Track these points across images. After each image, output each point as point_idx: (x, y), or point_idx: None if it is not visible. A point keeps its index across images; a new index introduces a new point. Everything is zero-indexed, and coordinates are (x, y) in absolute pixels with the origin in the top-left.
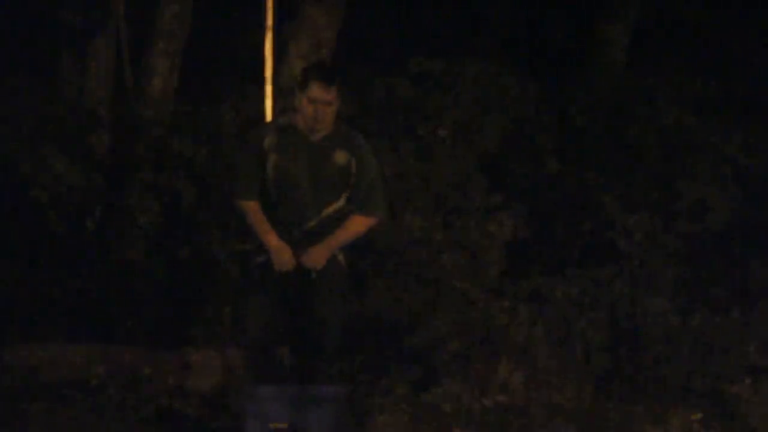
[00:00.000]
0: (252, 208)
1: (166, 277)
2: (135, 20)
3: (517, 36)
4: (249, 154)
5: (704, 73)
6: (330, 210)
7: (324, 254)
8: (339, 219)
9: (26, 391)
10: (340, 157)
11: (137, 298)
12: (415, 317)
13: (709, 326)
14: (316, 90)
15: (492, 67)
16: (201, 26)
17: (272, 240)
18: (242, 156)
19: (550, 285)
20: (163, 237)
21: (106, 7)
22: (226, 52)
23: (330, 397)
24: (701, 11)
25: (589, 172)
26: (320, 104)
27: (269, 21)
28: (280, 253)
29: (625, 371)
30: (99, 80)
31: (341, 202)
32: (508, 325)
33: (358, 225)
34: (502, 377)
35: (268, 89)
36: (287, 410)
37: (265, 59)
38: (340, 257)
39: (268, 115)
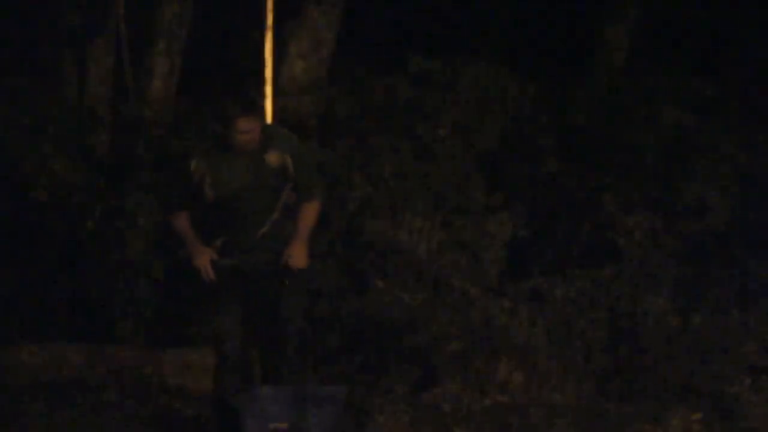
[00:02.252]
0: (181, 218)
1: (166, 277)
2: (135, 20)
3: (517, 36)
4: (177, 177)
5: (704, 73)
6: (276, 216)
7: (305, 252)
8: (284, 223)
9: (26, 391)
10: (273, 158)
11: (137, 298)
12: (415, 317)
13: (709, 326)
14: (243, 124)
15: (492, 67)
16: (201, 26)
17: (195, 248)
18: (172, 178)
19: (550, 285)
20: (163, 237)
21: (106, 7)
22: (226, 52)
23: (330, 397)
24: (701, 11)
25: (589, 172)
26: (249, 134)
27: (269, 21)
28: (201, 259)
29: (625, 371)
30: (99, 80)
31: (282, 202)
32: (508, 325)
33: (311, 212)
34: (502, 377)
35: (268, 89)
36: (287, 410)
37: (265, 59)
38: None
39: (269, 115)
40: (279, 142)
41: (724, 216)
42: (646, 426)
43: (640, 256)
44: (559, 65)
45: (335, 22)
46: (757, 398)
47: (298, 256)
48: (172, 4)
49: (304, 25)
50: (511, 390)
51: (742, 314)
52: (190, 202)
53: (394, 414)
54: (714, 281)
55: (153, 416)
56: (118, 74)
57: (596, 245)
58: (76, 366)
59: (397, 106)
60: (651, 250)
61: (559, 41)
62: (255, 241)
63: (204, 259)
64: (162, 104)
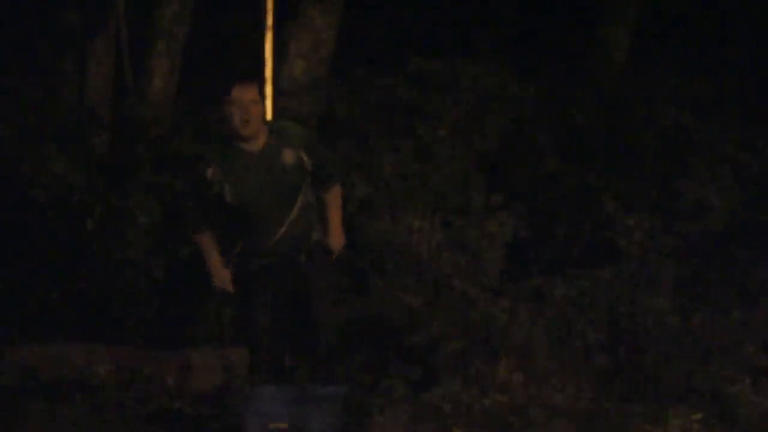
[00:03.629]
0: (205, 238)
1: (166, 277)
2: (135, 20)
3: (517, 36)
4: (196, 189)
5: (704, 73)
6: (294, 215)
7: (341, 236)
8: (303, 217)
9: (26, 391)
10: (288, 156)
11: (137, 298)
12: (415, 317)
13: (709, 326)
14: (238, 92)
15: (492, 67)
16: (201, 26)
17: (216, 271)
18: (191, 193)
19: (550, 285)
20: (163, 237)
21: (106, 7)
22: (226, 52)
23: (330, 397)
24: (701, 11)
25: (589, 172)
26: (246, 105)
27: (269, 21)
28: (221, 282)
29: (625, 371)
30: (99, 80)
31: (303, 198)
32: (508, 325)
33: (337, 197)
34: (502, 377)
35: (268, 89)
36: (287, 410)
37: (265, 59)
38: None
39: (269, 116)
40: (290, 138)
41: (724, 216)
42: (646, 426)
43: (640, 256)
44: (559, 65)
45: (335, 22)
46: (757, 398)
47: (336, 242)
48: (172, 4)
49: (304, 25)
50: (511, 390)
51: (742, 314)
52: (214, 217)
53: (394, 414)
54: (714, 281)
55: (153, 416)
56: (118, 74)
57: (596, 245)
58: (76, 366)
59: (397, 106)
60: (651, 250)
61: (559, 41)
62: (274, 242)
63: (221, 280)
64: (162, 104)
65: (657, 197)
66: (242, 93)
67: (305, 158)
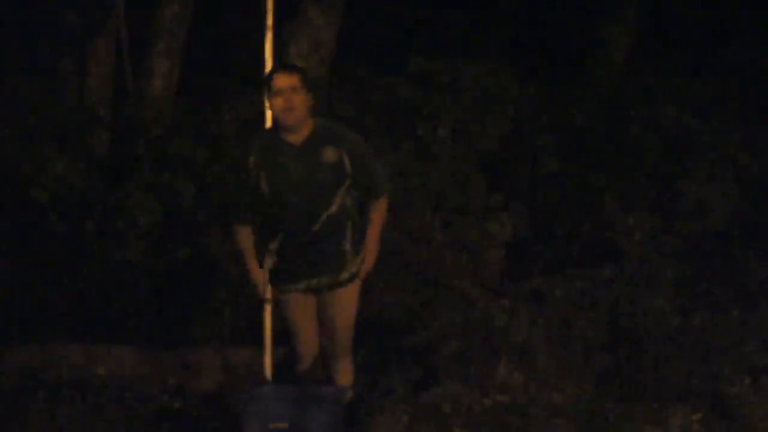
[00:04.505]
0: (244, 234)
1: (166, 277)
2: (135, 20)
3: (517, 36)
4: (239, 178)
5: (704, 73)
6: (331, 210)
7: (375, 254)
8: (341, 217)
9: (26, 391)
10: (329, 154)
11: (137, 298)
12: (415, 317)
13: (709, 326)
14: (279, 80)
15: (492, 67)
16: (201, 26)
17: (253, 270)
18: (233, 181)
19: (550, 285)
20: (163, 237)
21: (106, 7)
22: (226, 52)
23: (330, 397)
24: (701, 11)
25: (589, 172)
26: (287, 93)
27: (269, 21)
28: (257, 282)
29: (625, 371)
30: (99, 80)
31: (339, 200)
32: (508, 325)
33: (381, 210)
34: (502, 377)
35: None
36: (287, 410)
37: (265, 59)
38: (356, 266)
39: (268, 116)
40: (334, 137)
41: (724, 216)
42: (646, 426)
43: (640, 256)
44: (559, 65)
45: (335, 22)
46: (757, 398)
47: (370, 262)
48: (172, 4)
49: (304, 25)
50: (511, 390)
51: (742, 314)
52: (254, 211)
53: (394, 414)
54: (714, 281)
55: (153, 416)
56: (118, 74)
57: (596, 245)
58: (76, 366)
59: (397, 106)
60: (651, 250)
61: (559, 41)
62: (307, 238)
63: (259, 287)
64: (162, 104)
65: (657, 197)
66: (284, 80)
67: (346, 160)
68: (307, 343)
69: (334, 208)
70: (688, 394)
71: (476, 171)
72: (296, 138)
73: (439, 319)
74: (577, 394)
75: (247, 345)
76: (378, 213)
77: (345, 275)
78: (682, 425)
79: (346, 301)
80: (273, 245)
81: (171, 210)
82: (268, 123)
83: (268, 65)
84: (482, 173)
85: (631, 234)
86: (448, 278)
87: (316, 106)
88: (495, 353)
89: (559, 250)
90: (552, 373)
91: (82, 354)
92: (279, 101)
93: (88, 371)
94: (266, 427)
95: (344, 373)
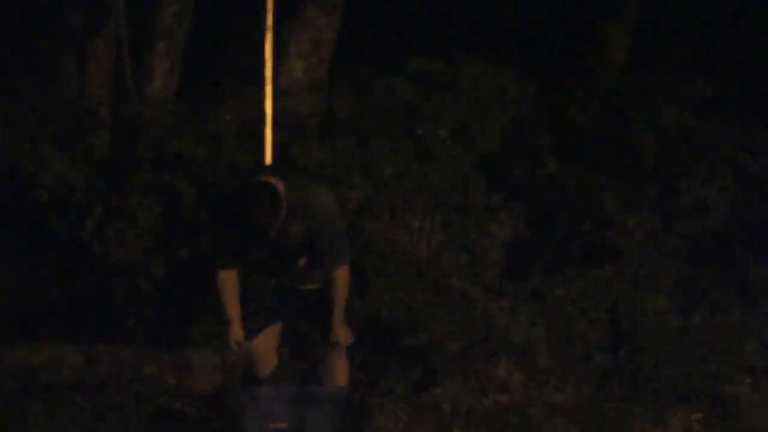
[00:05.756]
0: (226, 277)
1: (166, 277)
2: (135, 20)
3: (517, 36)
4: (221, 230)
5: (704, 73)
6: (298, 267)
7: (344, 327)
8: (307, 270)
9: (26, 391)
10: (297, 230)
11: (137, 298)
12: (415, 317)
13: (709, 326)
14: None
15: (492, 67)
16: (201, 26)
17: (233, 319)
18: (216, 230)
19: (550, 285)
20: (163, 237)
21: (106, 7)
22: (226, 52)
23: (330, 397)
24: (701, 11)
25: (589, 172)
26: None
27: (269, 21)
28: (235, 333)
29: (625, 371)
30: (99, 80)
31: (306, 258)
32: (508, 325)
33: (342, 279)
34: (502, 377)
35: (268, 89)
36: (287, 410)
37: (265, 59)
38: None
39: (268, 116)
40: (298, 209)
41: (724, 216)
42: (646, 426)
43: (640, 256)
44: (559, 65)
45: (335, 22)
46: (757, 398)
47: (342, 335)
48: (172, 4)
49: (304, 25)
50: (511, 390)
51: (742, 314)
52: (238, 258)
53: (394, 414)
54: (714, 281)
55: (153, 416)
56: (118, 74)
57: (596, 245)
58: (76, 366)
59: (397, 106)
60: (651, 250)
61: (559, 40)
62: (287, 279)
63: (237, 336)
64: (162, 104)
65: (657, 197)
66: (272, 225)
67: (313, 232)
68: (267, 345)
69: (300, 266)
70: (688, 394)
71: (476, 171)
72: None
73: (439, 319)
74: (577, 394)
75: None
76: (339, 285)
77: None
78: (682, 425)
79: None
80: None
81: (171, 210)
82: (269, 124)
83: (268, 65)
84: (482, 173)
85: (631, 234)
86: (448, 278)
87: (318, 107)
88: (495, 353)
89: (559, 250)
90: (552, 373)
91: (82, 354)
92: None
93: (88, 371)
94: (266, 427)
95: (339, 373)
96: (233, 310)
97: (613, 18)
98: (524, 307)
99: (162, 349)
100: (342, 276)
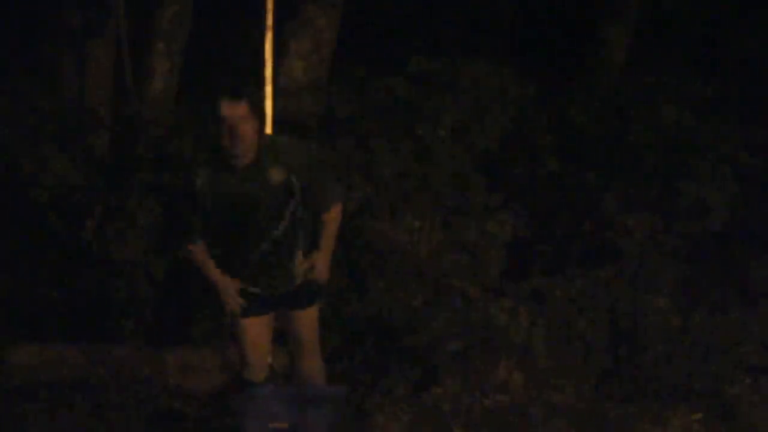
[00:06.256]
0: (199, 249)
1: (166, 277)
2: (135, 20)
3: (517, 36)
4: (185, 200)
5: (704, 73)
6: (279, 232)
7: (327, 263)
8: (291, 235)
9: (26, 391)
10: (276, 174)
11: (137, 298)
12: (415, 317)
13: (709, 326)
14: (224, 108)
15: (492, 67)
16: (201, 26)
17: (219, 280)
18: (180, 203)
19: (550, 285)
20: (163, 237)
21: (106, 7)
22: (226, 52)
23: (330, 397)
24: (701, 11)
25: (589, 172)
26: (234, 123)
27: (269, 21)
28: (227, 291)
29: (625, 371)
30: (99, 80)
31: (287, 219)
32: (508, 325)
33: (332, 221)
34: (502, 377)
35: (268, 89)
36: (287, 410)
37: (265, 59)
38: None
39: (269, 115)
40: (282, 156)
41: (724, 216)
42: (646, 426)
43: (640, 256)
44: (559, 65)
45: (335, 22)
46: (757, 398)
47: (320, 268)
48: (172, 4)
49: (304, 25)
50: (511, 390)
51: (742, 314)
52: (202, 224)
53: (394, 414)
54: (714, 281)
55: (153, 416)
56: (118, 74)
57: (596, 245)
58: (76, 366)
59: (397, 106)
60: (651, 250)
61: (559, 41)
62: (256, 258)
63: (231, 292)
64: (162, 104)
65: (657, 197)
66: (231, 110)
67: (294, 180)
68: (258, 349)
69: (281, 229)
70: (688, 394)
71: (476, 171)
72: (241, 161)
73: (439, 319)
74: (577, 394)
75: None
76: (330, 224)
77: (297, 281)
78: (682, 425)
79: (308, 321)
80: (221, 267)
81: (171, 210)
82: (269, 124)
83: (268, 65)
84: (482, 173)
85: (631, 234)
86: (448, 278)
87: (318, 107)
88: (495, 353)
89: (559, 250)
90: (552, 373)
91: (82, 354)
92: (226, 130)
93: (88, 371)
94: (266, 427)
95: (314, 373)
96: (217, 273)
97: (613, 18)
98: (524, 307)
99: (162, 349)
100: (332, 217)
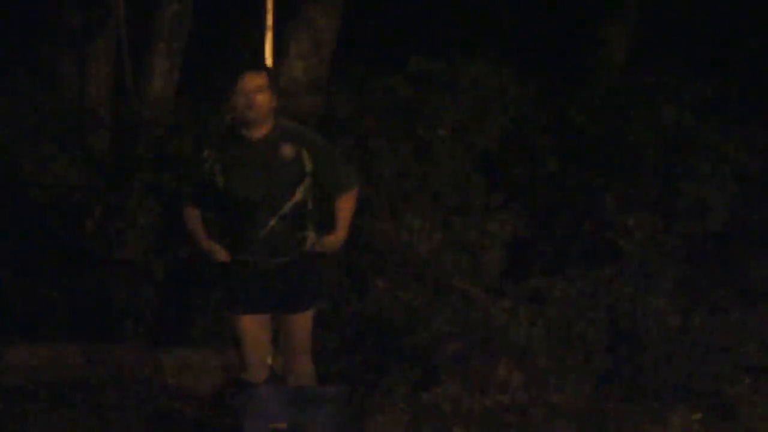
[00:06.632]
0: (194, 214)
1: (166, 277)
2: (135, 20)
3: (516, 36)
4: (197, 167)
5: (704, 73)
6: (287, 208)
7: (341, 239)
8: (299, 215)
9: (26, 391)
10: (287, 150)
11: (137, 298)
12: (415, 317)
13: (709, 326)
14: (244, 80)
15: (492, 67)
16: (201, 26)
17: (207, 244)
18: (192, 167)
19: (550, 285)
20: (163, 237)
21: (106, 7)
22: (226, 52)
23: (330, 397)
24: (701, 11)
25: (589, 172)
26: (250, 92)
27: (269, 21)
28: (213, 248)
29: (625, 371)
30: (99, 80)
31: (298, 197)
32: (508, 325)
33: (347, 204)
34: (501, 377)
35: None
36: (287, 410)
37: (265, 59)
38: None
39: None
40: (294, 135)
41: (724, 216)
42: (646, 426)
43: (640, 256)
44: (559, 65)
45: (335, 22)
46: (757, 398)
47: (331, 240)
48: (172, 4)
49: (304, 25)
50: (511, 390)
51: (742, 314)
52: (203, 195)
53: (394, 414)
54: (714, 281)
55: (153, 416)
56: (118, 74)
57: (596, 245)
58: (76, 366)
59: (397, 106)
60: (651, 250)
61: (559, 41)
62: (263, 235)
63: (217, 248)
64: (162, 104)
65: (657, 197)
66: (248, 81)
67: (306, 158)
68: (258, 350)
69: (289, 207)
70: (688, 394)
71: (476, 171)
72: (254, 134)
73: (439, 319)
74: (577, 394)
75: None
76: (347, 203)
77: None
78: (682, 425)
79: (303, 323)
80: (226, 241)
81: (171, 210)
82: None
83: (268, 65)
84: (482, 173)
85: (631, 234)
86: (448, 278)
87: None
88: (495, 353)
89: (559, 250)
90: (552, 373)
91: (82, 354)
92: (242, 100)
93: (88, 371)
94: (266, 427)
95: (304, 375)
96: (204, 235)
97: (613, 18)
98: (524, 307)
99: (162, 349)
100: (347, 200)
